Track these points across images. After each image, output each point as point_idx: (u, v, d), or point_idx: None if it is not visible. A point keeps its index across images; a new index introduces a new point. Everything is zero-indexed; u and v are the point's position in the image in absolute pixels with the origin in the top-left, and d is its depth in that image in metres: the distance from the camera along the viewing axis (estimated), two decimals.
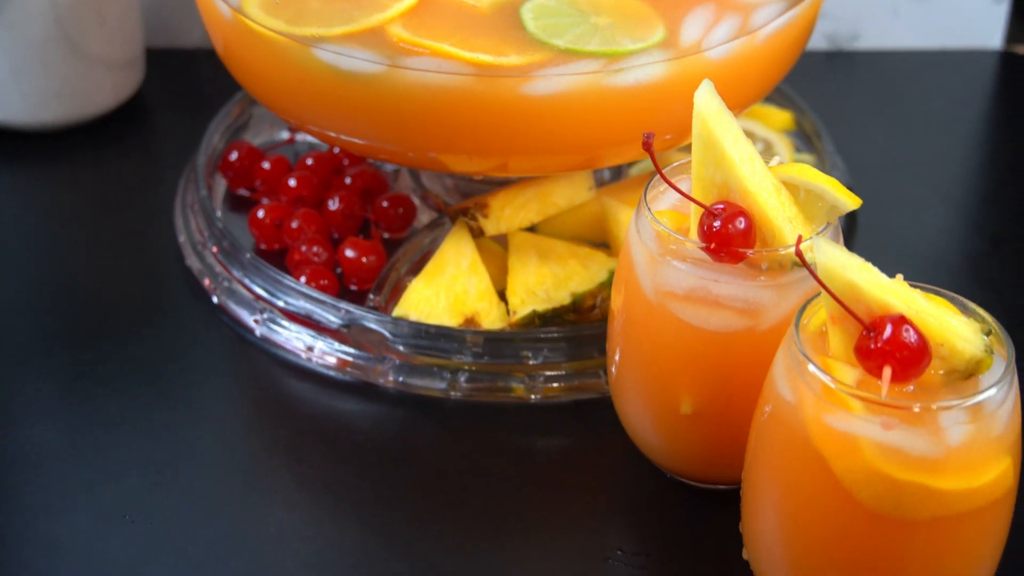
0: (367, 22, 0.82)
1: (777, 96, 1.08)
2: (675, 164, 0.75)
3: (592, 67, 0.79)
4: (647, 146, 0.69)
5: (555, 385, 0.85)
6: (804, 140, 1.05)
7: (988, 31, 1.20)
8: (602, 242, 0.93)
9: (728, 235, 0.69)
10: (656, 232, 0.72)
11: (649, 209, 0.73)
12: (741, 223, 0.69)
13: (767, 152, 1.01)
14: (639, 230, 0.73)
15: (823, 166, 1.01)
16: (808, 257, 0.65)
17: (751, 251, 0.70)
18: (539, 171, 0.88)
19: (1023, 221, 1.02)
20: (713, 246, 0.70)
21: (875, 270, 0.63)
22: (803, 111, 1.06)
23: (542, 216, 0.92)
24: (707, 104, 0.70)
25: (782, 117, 1.05)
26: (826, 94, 1.17)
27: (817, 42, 1.21)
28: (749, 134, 0.99)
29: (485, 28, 0.81)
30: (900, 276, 0.65)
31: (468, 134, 0.82)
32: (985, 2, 1.19)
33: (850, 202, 0.70)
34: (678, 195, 0.74)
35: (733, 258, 0.70)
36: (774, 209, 0.70)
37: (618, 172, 1.00)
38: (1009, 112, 1.15)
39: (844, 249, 0.63)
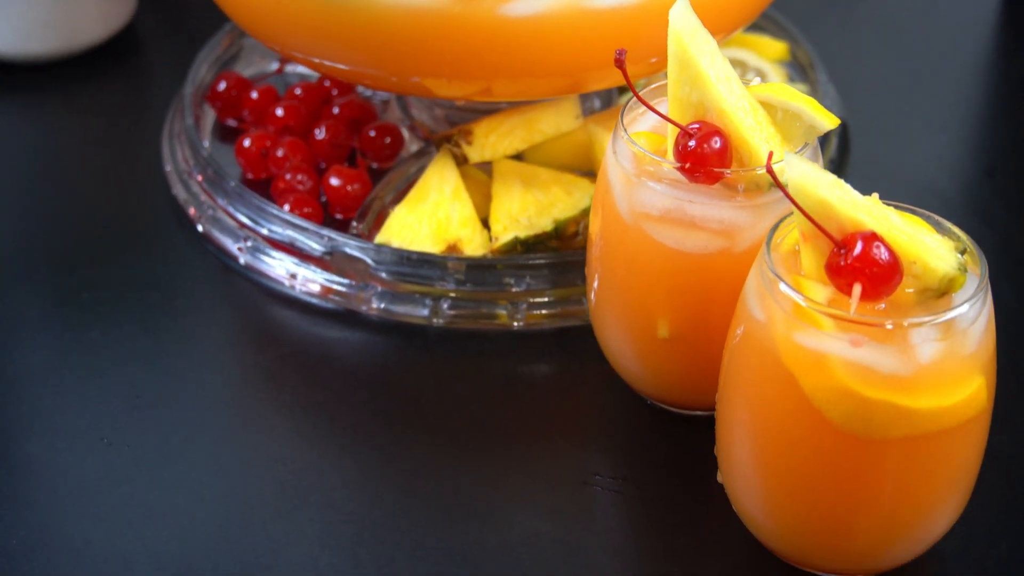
0: None
1: (772, 26, 1.06)
2: (653, 85, 0.74)
3: None
4: (619, 63, 0.68)
5: (538, 312, 0.85)
6: (798, 71, 1.03)
7: None
8: (589, 171, 0.92)
9: (703, 155, 0.68)
10: (632, 153, 0.71)
11: (625, 130, 0.72)
12: (716, 143, 0.68)
13: None
14: (616, 151, 0.72)
15: (816, 96, 0.99)
16: (782, 177, 0.64)
17: (727, 171, 0.69)
18: (524, 95, 0.86)
19: (1019, 151, 1.00)
20: (688, 166, 0.69)
21: (848, 187, 0.62)
22: (798, 41, 1.04)
23: (527, 144, 0.91)
24: (682, 22, 0.69)
25: (776, 47, 1.04)
26: (826, 25, 1.15)
27: None
28: (741, 64, 0.98)
29: None
30: (876, 195, 0.64)
31: (448, 57, 0.81)
32: None
33: (827, 122, 0.69)
34: (657, 118, 0.73)
35: (709, 178, 0.69)
36: (750, 129, 0.69)
37: (608, 101, 0.99)
38: (1010, 44, 1.13)
39: (817, 166, 0.62)
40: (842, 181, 0.62)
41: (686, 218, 0.70)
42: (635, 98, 0.72)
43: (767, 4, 0.88)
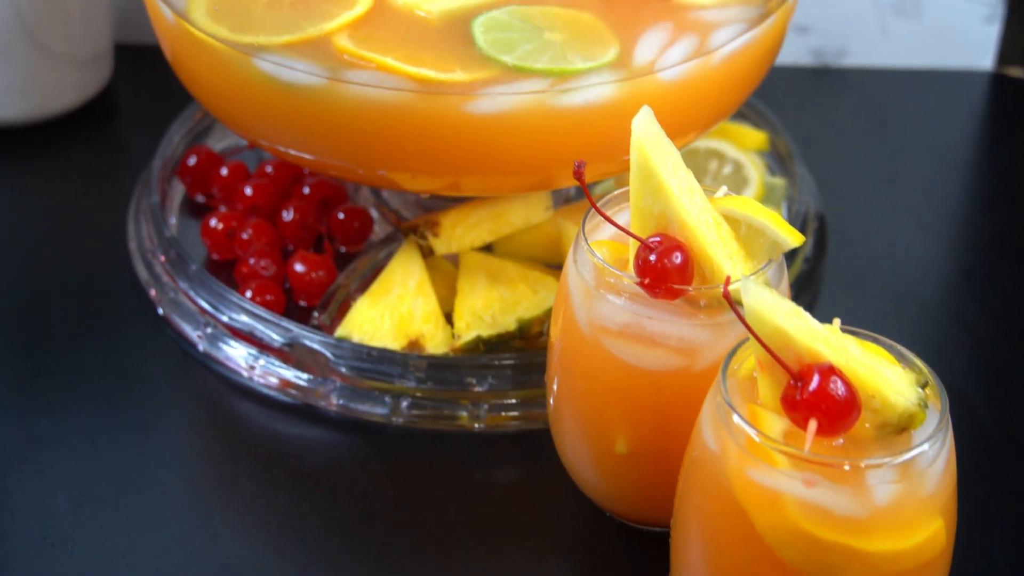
0: (313, 31, 0.79)
1: (753, 115, 1.05)
2: (616, 192, 0.72)
3: (539, 86, 0.76)
4: (577, 175, 0.66)
5: (500, 414, 0.83)
6: (778, 161, 1.01)
7: (979, 51, 1.17)
8: (558, 263, 0.90)
9: (664, 270, 0.66)
10: (593, 264, 0.69)
11: (586, 239, 0.70)
12: (678, 258, 0.66)
13: (737, 174, 0.98)
14: (576, 261, 0.70)
15: (794, 190, 0.97)
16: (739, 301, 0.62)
17: (688, 288, 0.67)
18: (493, 191, 0.85)
19: (997, 253, 0.98)
20: (648, 281, 0.67)
21: (806, 315, 0.60)
22: (778, 131, 1.02)
23: (495, 236, 0.89)
24: (645, 132, 0.67)
25: (756, 137, 1.02)
26: (811, 112, 1.13)
27: (803, 57, 1.18)
28: (719, 155, 0.96)
29: (434, 41, 0.78)
30: (837, 321, 0.62)
31: (413, 152, 0.79)
32: (976, 21, 1.16)
33: (792, 239, 0.67)
34: (621, 223, 0.71)
35: (669, 294, 0.67)
36: (713, 244, 0.67)
37: (581, 190, 0.97)
38: (996, 137, 1.12)
39: (774, 292, 0.60)
40: (800, 309, 0.60)
41: (645, 334, 0.68)
42: (601, 203, 0.70)
43: (741, 102, 0.87)
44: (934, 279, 0.96)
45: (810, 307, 0.92)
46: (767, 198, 0.97)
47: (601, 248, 0.70)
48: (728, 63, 0.81)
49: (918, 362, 0.62)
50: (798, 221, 0.94)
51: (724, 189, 0.70)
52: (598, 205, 0.70)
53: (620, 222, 0.72)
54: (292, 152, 0.84)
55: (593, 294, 0.69)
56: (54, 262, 0.96)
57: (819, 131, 1.10)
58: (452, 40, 0.78)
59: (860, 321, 0.90)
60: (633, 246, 0.69)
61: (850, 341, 0.60)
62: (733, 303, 0.60)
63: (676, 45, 0.78)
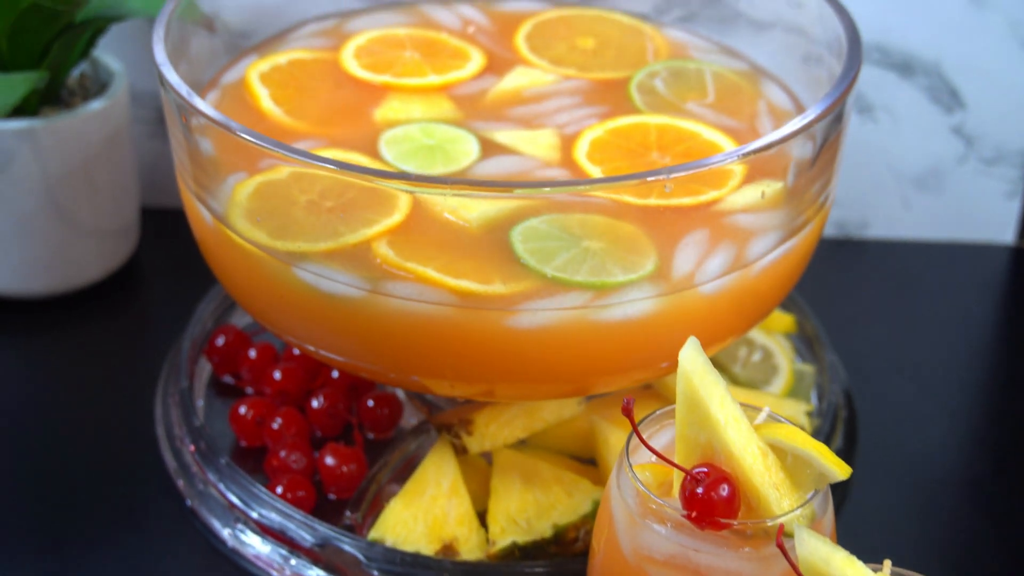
0: (353, 238, 0.79)
1: None
2: (658, 412, 0.72)
3: (579, 300, 0.77)
4: (626, 411, 0.66)
5: None
6: (806, 344, 1.02)
7: (1000, 225, 1.18)
8: (591, 458, 0.90)
9: (711, 503, 0.66)
10: (636, 489, 0.69)
11: (630, 464, 0.69)
12: (724, 490, 0.66)
13: (766, 362, 0.98)
14: (620, 485, 0.70)
15: (824, 378, 0.97)
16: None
17: (735, 522, 0.66)
18: (527, 398, 0.85)
19: None
20: (695, 514, 0.66)
21: (859, 564, 0.59)
22: (806, 314, 1.03)
23: (529, 432, 0.89)
24: (692, 363, 0.67)
25: (784, 320, 1.02)
26: (832, 282, 1.14)
27: (826, 228, 1.19)
28: (748, 342, 0.96)
29: (474, 248, 0.79)
30: (887, 563, 0.61)
31: (449, 362, 0.79)
32: (998, 196, 1.16)
33: (839, 471, 0.67)
34: (663, 444, 0.71)
35: (716, 527, 0.67)
36: (760, 474, 0.67)
37: None
38: (1018, 312, 1.12)
39: (827, 540, 0.60)
40: (853, 558, 0.60)
41: (691, 566, 0.67)
42: (643, 423, 0.70)
43: (776, 306, 0.87)
44: (963, 472, 0.95)
45: (841, 503, 0.92)
46: (796, 386, 0.97)
47: (644, 471, 0.70)
48: (767, 272, 0.81)
49: None
50: (829, 415, 0.94)
51: (767, 411, 0.70)
52: (639, 429, 0.70)
53: (663, 440, 0.72)
54: (323, 353, 0.84)
55: (637, 522, 0.69)
56: (78, 444, 0.96)
57: (841, 302, 1.11)
58: (491, 248, 0.78)
59: (891, 517, 0.90)
60: (678, 473, 0.68)
61: None
62: (788, 555, 0.60)
63: (714, 256, 0.79)
